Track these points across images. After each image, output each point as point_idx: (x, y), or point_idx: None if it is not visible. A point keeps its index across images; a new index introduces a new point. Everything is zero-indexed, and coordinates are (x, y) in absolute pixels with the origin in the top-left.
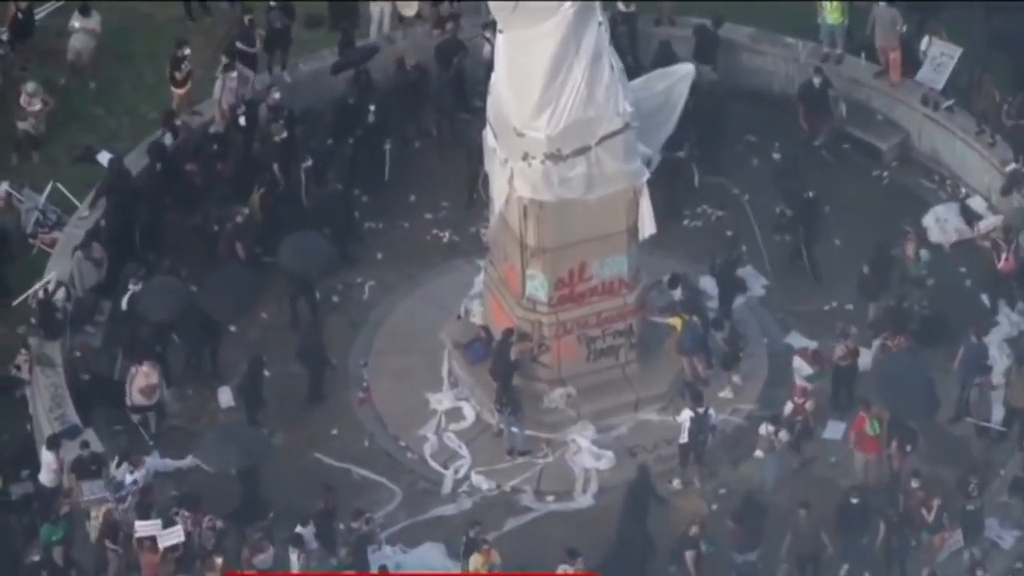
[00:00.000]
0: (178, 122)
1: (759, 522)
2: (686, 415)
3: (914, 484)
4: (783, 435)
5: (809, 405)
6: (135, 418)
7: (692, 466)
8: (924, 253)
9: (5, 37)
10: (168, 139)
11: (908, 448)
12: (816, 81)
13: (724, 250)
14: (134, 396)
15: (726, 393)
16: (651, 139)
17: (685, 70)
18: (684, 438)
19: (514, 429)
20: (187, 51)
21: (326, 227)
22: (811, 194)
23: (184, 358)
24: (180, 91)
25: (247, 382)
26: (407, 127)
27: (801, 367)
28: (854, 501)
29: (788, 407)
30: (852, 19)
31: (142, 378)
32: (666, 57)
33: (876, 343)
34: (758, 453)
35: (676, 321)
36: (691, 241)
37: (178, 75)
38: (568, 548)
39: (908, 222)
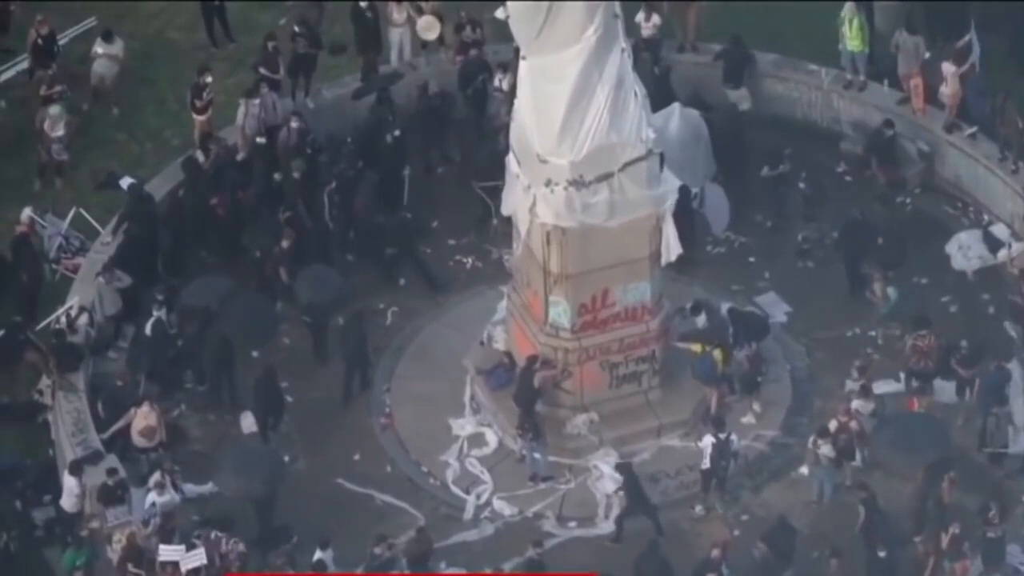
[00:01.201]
0: (211, 145)
1: (790, 544)
2: (708, 441)
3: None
4: (826, 449)
5: (854, 424)
6: (142, 458)
7: (714, 492)
8: (891, 291)
9: (27, 64)
10: (200, 156)
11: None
12: (888, 133)
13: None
14: (135, 438)
15: (748, 419)
16: (689, 173)
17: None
18: (706, 464)
19: (536, 455)
20: (209, 78)
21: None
22: (858, 214)
23: (207, 384)
24: (201, 118)
25: (261, 392)
26: (430, 153)
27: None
28: (881, 555)
29: (833, 424)
30: (874, 45)
31: (141, 419)
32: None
33: (907, 345)
34: (803, 469)
35: (697, 347)
36: (714, 267)
37: (199, 102)
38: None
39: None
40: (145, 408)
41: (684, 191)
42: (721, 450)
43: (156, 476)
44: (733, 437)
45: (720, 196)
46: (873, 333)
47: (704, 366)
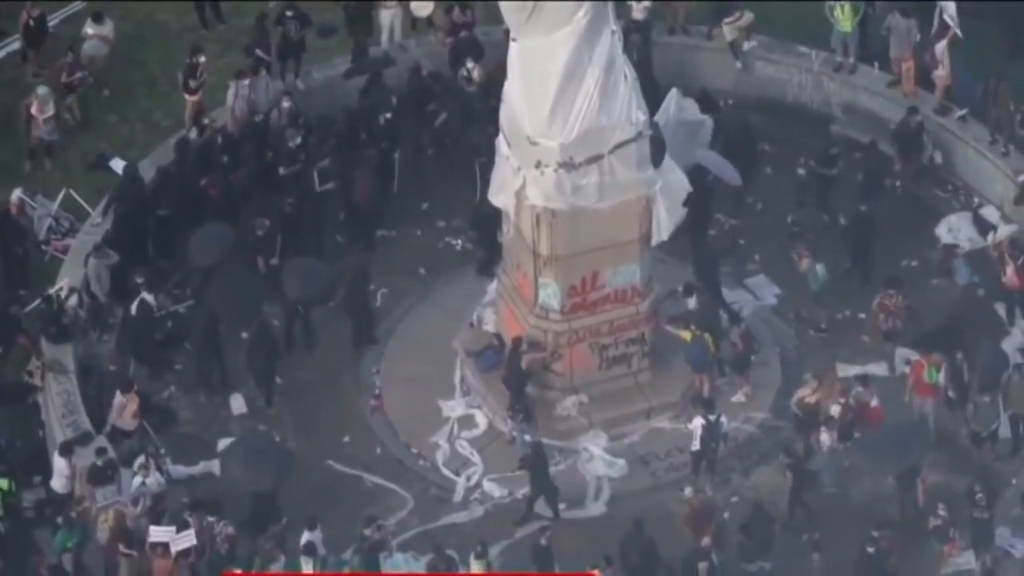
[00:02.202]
0: (206, 121)
1: (769, 532)
2: (697, 423)
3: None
4: (825, 438)
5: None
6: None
7: (704, 474)
8: (820, 268)
9: (18, 44)
10: (193, 134)
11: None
12: (912, 121)
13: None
14: (124, 422)
15: (738, 397)
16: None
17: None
18: (696, 445)
19: (526, 437)
20: (202, 59)
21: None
22: (864, 208)
23: (194, 364)
24: (193, 98)
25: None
26: (421, 135)
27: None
28: (870, 551)
29: (835, 409)
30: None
31: (131, 403)
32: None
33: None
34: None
35: (686, 335)
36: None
37: (192, 83)
38: (605, 554)
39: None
40: (122, 397)
41: (699, 171)
42: (711, 431)
43: (140, 459)
44: (723, 419)
45: (714, 156)
46: (863, 316)
47: (696, 351)
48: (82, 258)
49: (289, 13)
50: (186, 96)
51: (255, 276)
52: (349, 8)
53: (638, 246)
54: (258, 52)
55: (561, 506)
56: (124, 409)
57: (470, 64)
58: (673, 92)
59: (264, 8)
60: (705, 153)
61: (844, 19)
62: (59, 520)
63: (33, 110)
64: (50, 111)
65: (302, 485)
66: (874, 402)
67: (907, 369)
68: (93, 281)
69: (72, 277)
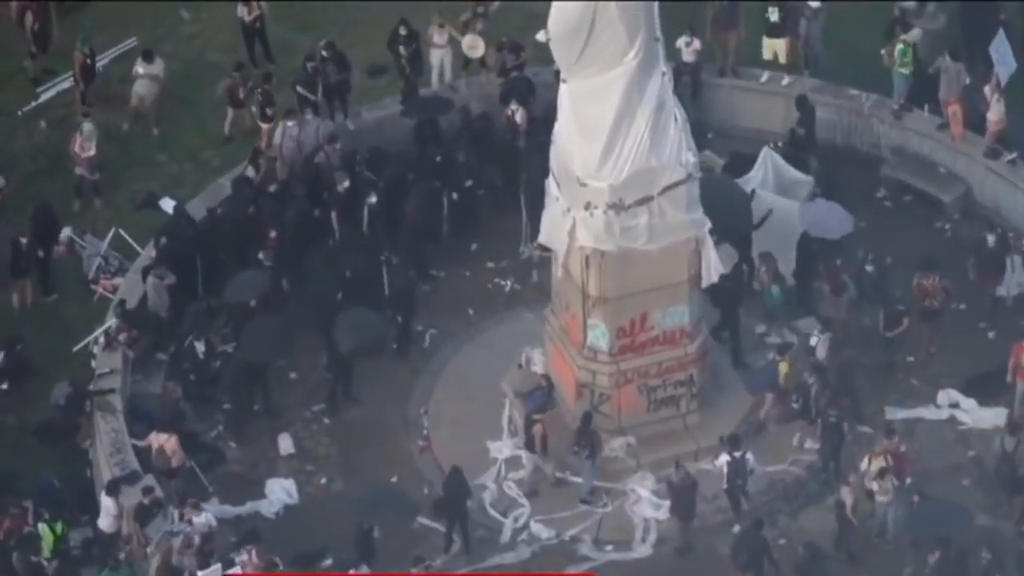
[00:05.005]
0: (261, 160)
1: (823, 570)
2: (723, 459)
3: None
4: (876, 487)
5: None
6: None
7: (735, 511)
8: (775, 289)
9: (74, 84)
10: (251, 172)
11: None
12: (991, 239)
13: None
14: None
15: (796, 441)
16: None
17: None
18: (725, 483)
19: (589, 472)
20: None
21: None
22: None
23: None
24: (267, 126)
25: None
26: (470, 176)
27: None
28: None
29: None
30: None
31: (171, 444)
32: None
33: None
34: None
35: (784, 366)
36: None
37: (270, 110)
38: None
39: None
40: (162, 436)
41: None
42: (737, 468)
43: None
44: (748, 456)
45: (817, 216)
46: (911, 359)
47: (766, 374)
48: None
49: (324, 54)
50: (261, 124)
51: (283, 318)
52: (395, 49)
53: (687, 288)
54: (299, 90)
55: (608, 548)
56: (162, 448)
57: (513, 106)
58: (766, 151)
59: (313, 49)
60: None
61: (908, 63)
62: (106, 560)
63: (76, 147)
64: (92, 150)
65: (349, 525)
66: (903, 447)
67: (954, 412)
68: (152, 298)
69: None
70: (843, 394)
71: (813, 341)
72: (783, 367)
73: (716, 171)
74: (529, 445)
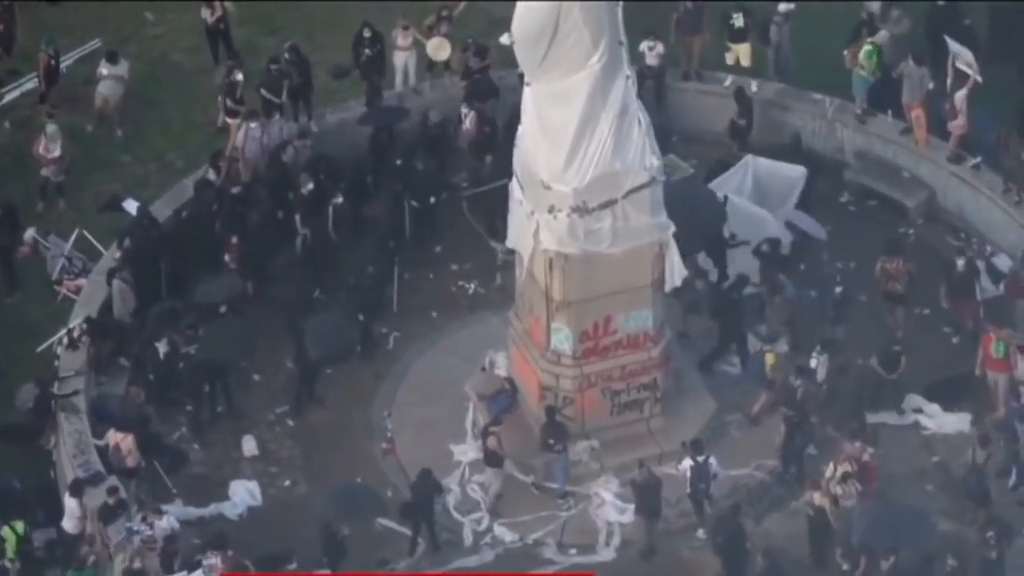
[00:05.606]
0: (221, 162)
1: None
2: (686, 464)
3: None
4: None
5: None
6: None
7: (698, 515)
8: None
9: (37, 85)
10: (212, 175)
11: None
12: (960, 263)
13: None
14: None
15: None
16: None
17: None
18: (688, 488)
19: (561, 465)
20: (240, 76)
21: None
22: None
23: (195, 405)
24: (234, 122)
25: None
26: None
27: None
28: None
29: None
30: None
31: (127, 443)
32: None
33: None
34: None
35: (771, 356)
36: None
37: (231, 102)
38: None
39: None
40: (118, 434)
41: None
42: (700, 472)
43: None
44: (711, 460)
45: (801, 214)
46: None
47: (753, 364)
48: (94, 298)
49: (288, 56)
50: (227, 120)
51: (245, 319)
52: (359, 51)
53: (651, 291)
54: (263, 92)
55: (572, 551)
56: (118, 447)
57: (465, 110)
58: (749, 158)
59: (277, 50)
60: (794, 212)
61: (875, 69)
62: (70, 561)
63: (40, 149)
64: (56, 151)
65: (313, 527)
66: (866, 456)
67: (919, 417)
68: (117, 302)
69: (91, 305)
70: (838, 404)
71: (813, 363)
72: (769, 358)
73: (680, 175)
74: (490, 461)
